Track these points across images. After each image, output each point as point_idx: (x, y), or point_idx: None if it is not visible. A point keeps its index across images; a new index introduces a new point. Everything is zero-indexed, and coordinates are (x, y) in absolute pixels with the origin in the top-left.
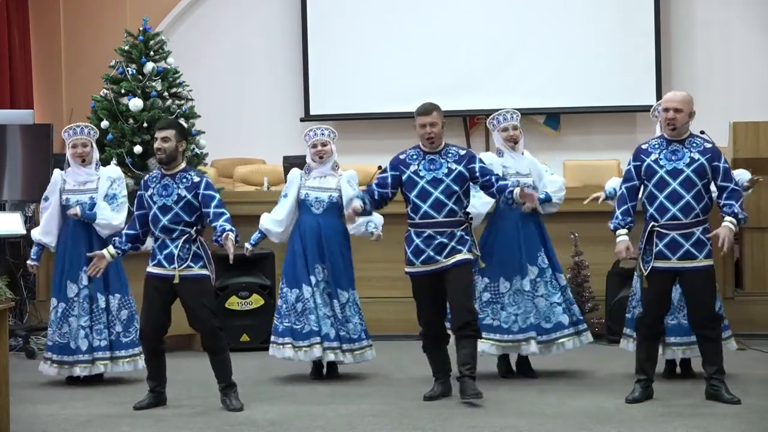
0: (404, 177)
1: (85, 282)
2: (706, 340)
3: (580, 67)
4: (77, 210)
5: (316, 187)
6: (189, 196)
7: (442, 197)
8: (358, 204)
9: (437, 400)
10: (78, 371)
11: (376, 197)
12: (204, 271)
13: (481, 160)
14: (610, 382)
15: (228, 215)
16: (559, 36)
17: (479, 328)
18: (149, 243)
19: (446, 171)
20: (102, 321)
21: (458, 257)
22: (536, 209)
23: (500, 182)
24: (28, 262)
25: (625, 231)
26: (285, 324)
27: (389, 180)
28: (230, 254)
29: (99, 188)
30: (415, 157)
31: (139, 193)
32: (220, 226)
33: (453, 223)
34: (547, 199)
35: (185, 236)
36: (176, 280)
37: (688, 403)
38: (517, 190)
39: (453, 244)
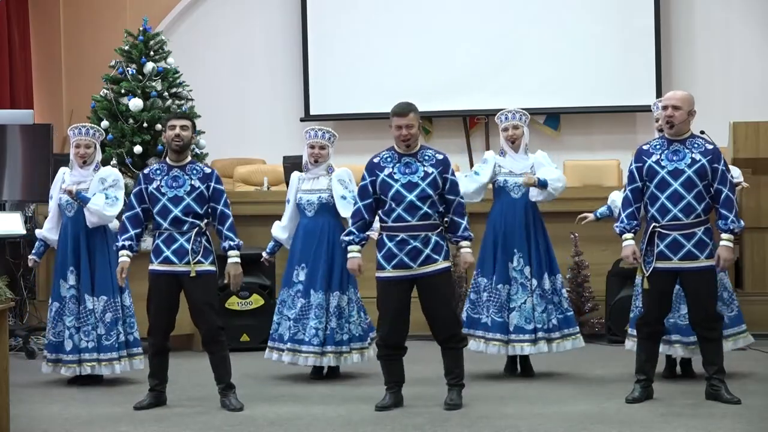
0: (378, 180)
1: (72, 282)
2: (706, 340)
3: (580, 67)
4: (73, 188)
5: (307, 190)
6: (202, 187)
7: (416, 201)
8: (357, 261)
9: (389, 410)
10: (62, 371)
11: (366, 216)
12: (212, 268)
13: (453, 173)
14: (611, 382)
15: (232, 218)
16: (559, 36)
17: (464, 337)
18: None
19: (422, 175)
20: (89, 322)
21: (434, 267)
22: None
23: (455, 213)
24: (29, 255)
25: (630, 235)
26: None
27: (370, 188)
28: (233, 287)
29: (90, 188)
30: (389, 159)
31: (138, 188)
32: (226, 244)
33: (427, 227)
34: (543, 184)
35: (196, 228)
36: (192, 274)
37: (688, 403)
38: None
39: (428, 251)
